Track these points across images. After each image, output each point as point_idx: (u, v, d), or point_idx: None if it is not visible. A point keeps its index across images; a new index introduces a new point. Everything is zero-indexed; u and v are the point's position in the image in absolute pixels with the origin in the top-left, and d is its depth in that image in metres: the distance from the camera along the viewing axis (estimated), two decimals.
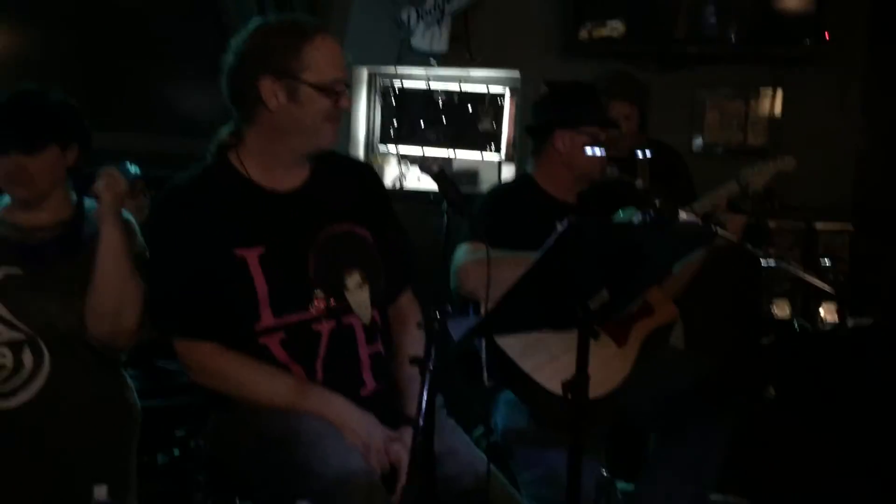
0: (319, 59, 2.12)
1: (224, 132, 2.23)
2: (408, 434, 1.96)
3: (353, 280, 2.16)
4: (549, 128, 2.83)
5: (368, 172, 2.43)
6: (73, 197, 2.34)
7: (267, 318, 2.09)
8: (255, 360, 2.09)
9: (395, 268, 2.28)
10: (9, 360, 2.18)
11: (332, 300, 2.14)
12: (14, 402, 2.19)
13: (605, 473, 2.85)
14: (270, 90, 2.11)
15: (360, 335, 2.17)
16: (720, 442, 2.66)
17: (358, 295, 2.17)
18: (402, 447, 1.98)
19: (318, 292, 2.13)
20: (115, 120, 4.17)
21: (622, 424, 2.74)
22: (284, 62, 2.10)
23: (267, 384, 2.08)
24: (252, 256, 2.09)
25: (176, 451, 3.16)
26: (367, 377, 2.17)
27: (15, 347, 2.19)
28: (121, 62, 4.15)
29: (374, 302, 2.20)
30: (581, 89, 2.96)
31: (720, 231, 2.67)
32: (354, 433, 2.02)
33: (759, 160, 2.94)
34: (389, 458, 2.00)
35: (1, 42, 3.89)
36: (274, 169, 2.19)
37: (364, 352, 2.17)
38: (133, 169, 2.26)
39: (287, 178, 2.20)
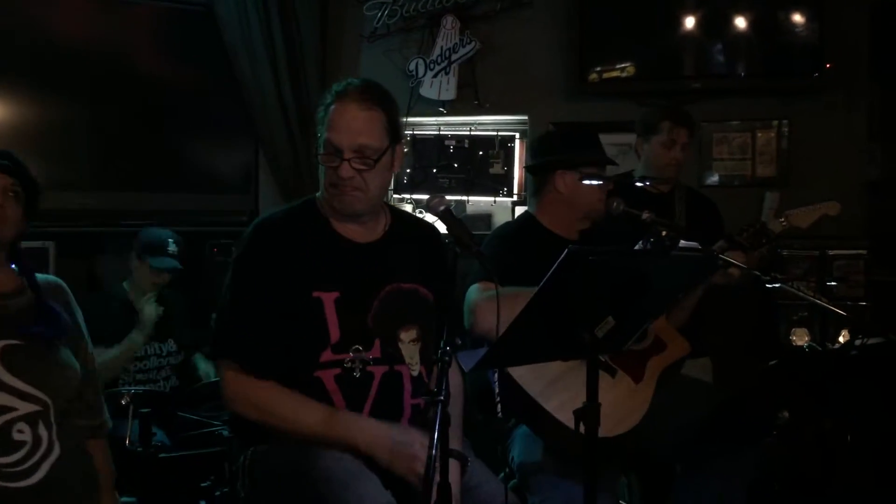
0: (328, 122, 2.21)
1: None
2: (454, 466, 2.00)
3: (408, 334, 2.25)
4: (550, 168, 2.86)
5: (435, 236, 2.48)
6: (14, 269, 2.22)
7: (327, 355, 2.16)
8: (288, 389, 2.13)
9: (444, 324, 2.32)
10: (27, 435, 2.08)
11: (387, 348, 2.21)
12: (33, 479, 2.08)
13: None
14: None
15: (408, 385, 2.24)
16: (745, 471, 2.64)
17: (409, 349, 2.25)
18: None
19: (376, 339, 2.20)
20: (148, 182, 4.33)
21: (646, 458, 2.73)
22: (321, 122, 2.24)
23: (296, 410, 2.12)
24: (328, 300, 2.17)
25: (202, 503, 3.17)
26: (406, 426, 2.20)
27: (31, 420, 2.09)
28: (153, 131, 4.32)
29: (423, 359, 2.27)
30: (580, 131, 3.02)
31: (725, 258, 2.69)
32: (382, 447, 2.05)
33: (804, 205, 2.95)
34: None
35: (46, 114, 4.05)
36: (346, 220, 2.27)
37: (408, 401, 2.23)
38: None
39: (361, 230, 2.29)
